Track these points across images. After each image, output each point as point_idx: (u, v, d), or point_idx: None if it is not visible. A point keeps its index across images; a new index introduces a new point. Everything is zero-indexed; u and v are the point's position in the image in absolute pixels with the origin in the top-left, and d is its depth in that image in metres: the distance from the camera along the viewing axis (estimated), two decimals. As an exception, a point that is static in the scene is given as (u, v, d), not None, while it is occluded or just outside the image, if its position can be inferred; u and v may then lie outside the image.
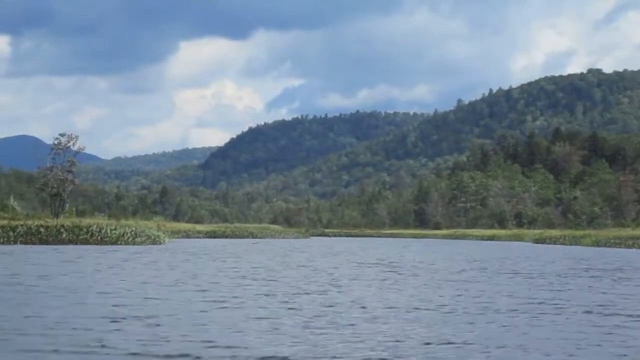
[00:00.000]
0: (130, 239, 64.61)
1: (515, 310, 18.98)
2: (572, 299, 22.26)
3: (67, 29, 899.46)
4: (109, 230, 64.22)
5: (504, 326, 16.23)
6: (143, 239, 66.78)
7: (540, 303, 20.72)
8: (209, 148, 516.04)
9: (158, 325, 15.64)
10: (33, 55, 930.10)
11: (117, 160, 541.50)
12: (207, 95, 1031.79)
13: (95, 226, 64.62)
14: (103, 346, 13.13)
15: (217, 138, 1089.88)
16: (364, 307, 19.12)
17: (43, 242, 61.02)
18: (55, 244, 60.22)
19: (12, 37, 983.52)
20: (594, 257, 56.68)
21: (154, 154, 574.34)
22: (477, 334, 15.15)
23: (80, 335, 14.20)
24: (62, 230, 62.83)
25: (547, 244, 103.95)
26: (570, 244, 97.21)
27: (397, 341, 14.04)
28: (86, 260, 39.29)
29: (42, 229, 62.62)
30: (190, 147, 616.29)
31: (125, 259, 41.31)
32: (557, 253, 65.74)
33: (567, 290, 25.44)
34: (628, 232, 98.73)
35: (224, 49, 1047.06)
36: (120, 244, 62.89)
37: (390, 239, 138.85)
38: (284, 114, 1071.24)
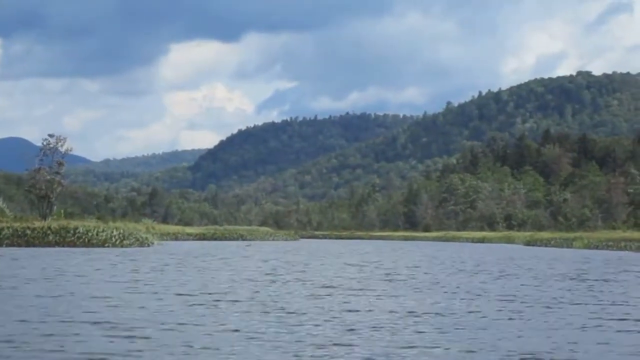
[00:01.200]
0: (118, 242, 63.85)
1: None
2: None
3: (58, 31, 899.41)
4: (96, 233, 63.43)
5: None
6: (131, 241, 66.04)
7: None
8: (199, 150, 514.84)
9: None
10: (24, 57, 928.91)
11: (107, 162, 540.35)
12: (198, 97, 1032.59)
13: (82, 228, 63.80)
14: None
15: (207, 140, 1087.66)
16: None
17: (30, 244, 60.19)
18: (41, 246, 59.42)
19: (2, 40, 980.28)
20: None
21: (143, 156, 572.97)
22: None
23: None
24: (48, 232, 62.00)
25: (539, 246, 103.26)
26: (562, 247, 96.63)
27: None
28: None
29: (28, 231, 61.78)
30: (180, 149, 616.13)
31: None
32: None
33: None
34: (619, 234, 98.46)
35: (214, 52, 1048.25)
36: (108, 246, 62.12)
37: (381, 242, 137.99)
38: (274, 116, 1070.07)
